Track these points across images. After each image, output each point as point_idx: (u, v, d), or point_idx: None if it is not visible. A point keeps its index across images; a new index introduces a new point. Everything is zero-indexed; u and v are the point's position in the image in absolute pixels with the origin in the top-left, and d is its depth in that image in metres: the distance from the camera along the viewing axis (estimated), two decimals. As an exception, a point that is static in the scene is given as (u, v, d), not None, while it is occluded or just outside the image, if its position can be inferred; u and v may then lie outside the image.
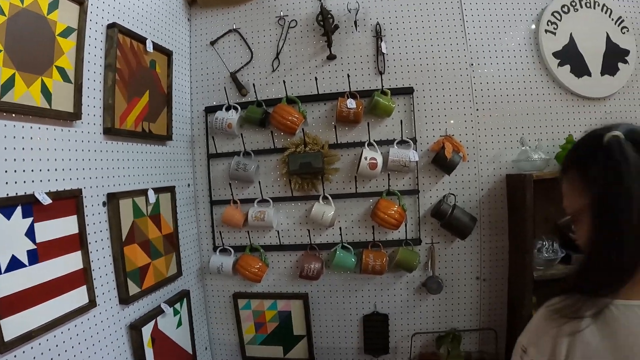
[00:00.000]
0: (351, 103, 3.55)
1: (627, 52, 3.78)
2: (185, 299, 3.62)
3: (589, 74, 3.73)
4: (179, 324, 3.53)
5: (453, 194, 3.65)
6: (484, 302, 3.72)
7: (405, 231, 3.67)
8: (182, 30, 3.80)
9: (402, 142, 3.61)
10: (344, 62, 3.71)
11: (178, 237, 3.59)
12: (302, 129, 3.67)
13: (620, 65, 3.75)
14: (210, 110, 3.80)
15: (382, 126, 3.67)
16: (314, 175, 3.66)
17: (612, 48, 3.77)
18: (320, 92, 3.71)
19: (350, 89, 3.65)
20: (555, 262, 3.44)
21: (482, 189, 3.68)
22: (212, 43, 3.83)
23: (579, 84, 3.70)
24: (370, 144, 3.62)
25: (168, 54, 3.53)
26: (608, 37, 3.77)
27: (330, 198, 3.66)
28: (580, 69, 3.72)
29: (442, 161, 3.54)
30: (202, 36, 3.88)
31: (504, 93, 3.66)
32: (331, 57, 3.69)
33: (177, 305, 3.52)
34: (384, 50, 3.66)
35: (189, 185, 3.80)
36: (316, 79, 3.70)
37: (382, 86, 3.63)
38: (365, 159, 3.51)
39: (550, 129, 3.68)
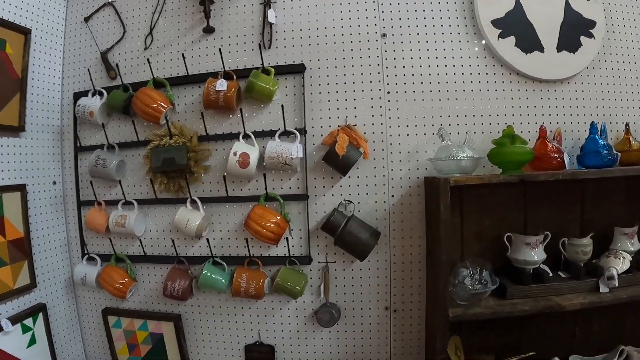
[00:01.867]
0: (221, 84, 1.97)
1: (592, 24, 2.06)
2: (40, 314, 2.15)
3: (541, 50, 2.03)
4: (32, 342, 2.11)
5: (350, 201, 2.02)
6: (395, 338, 2.07)
7: (288, 247, 2.05)
8: (53, 6, 2.29)
9: (287, 134, 2.02)
10: (225, 35, 2.12)
11: (31, 243, 2.13)
12: (167, 118, 2.12)
13: (583, 39, 2.05)
14: (79, 96, 2.28)
15: (265, 113, 2.07)
16: (181, 174, 2.11)
17: (572, 17, 2.06)
18: (190, 73, 2.14)
19: (224, 67, 2.06)
20: (483, 295, 1.81)
21: (392, 195, 2.02)
22: (86, 19, 2.31)
23: (527, 61, 2.02)
24: (246, 136, 2.04)
25: (24, 32, 2.09)
26: (567, 4, 2.06)
27: (199, 202, 2.10)
28: (529, 42, 2.03)
29: (333, 158, 1.91)
30: (79, 12, 2.35)
31: (424, 72, 2.01)
32: (208, 30, 2.10)
33: (29, 321, 2.11)
34: (271, 20, 2.06)
35: (54, 182, 2.31)
36: (183, 56, 2.11)
37: (262, 63, 2.03)
38: (235, 154, 1.95)
39: (487, 119, 1.99)
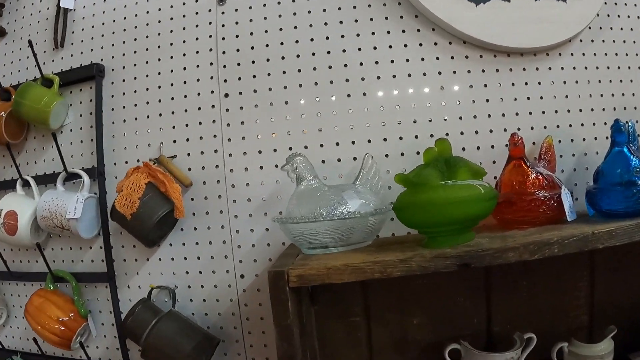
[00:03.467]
0: (-23, 105, 1.07)
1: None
2: None
3: (505, -7, 0.86)
4: None
5: (166, 287, 0.87)
6: None
7: (86, 355, 0.94)
8: None
9: (74, 177, 0.92)
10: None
11: None
12: None
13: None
14: None
15: (54, 147, 0.94)
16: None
17: None
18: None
19: (-5, 79, 1.05)
20: None
21: (242, 275, 0.85)
22: None
23: (480, 18, 0.79)
24: (27, 183, 0.96)
25: None
26: None
27: (-28, 284, 1.09)
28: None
29: (121, 219, 0.82)
30: None
31: (288, 53, 0.85)
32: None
33: None
34: (66, 5, 1.04)
35: None
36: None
37: (40, 70, 0.93)
38: (-4, 214, 0.96)
39: (411, 128, 0.79)
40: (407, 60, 0.85)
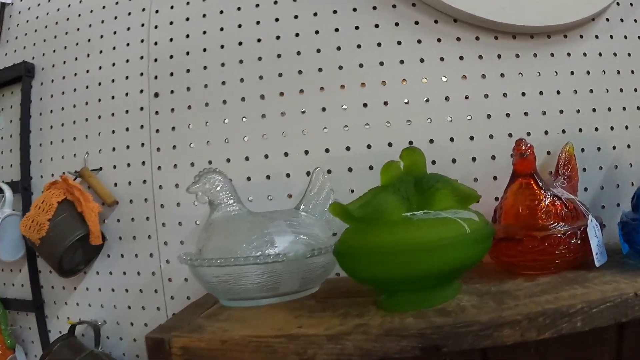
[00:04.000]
0: None
1: None
2: None
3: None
4: None
5: (95, 324, 0.66)
6: None
7: None
8: None
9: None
10: None
11: None
12: None
13: None
14: None
15: None
16: None
17: None
18: None
19: None
20: None
21: (175, 314, 0.69)
22: None
23: None
24: None
25: None
26: None
27: None
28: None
29: (31, 243, 0.63)
30: None
31: (232, 39, 0.62)
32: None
33: None
34: None
35: None
36: None
37: None
38: None
39: (364, 134, 0.55)
40: (379, 44, 0.60)
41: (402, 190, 0.41)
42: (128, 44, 0.68)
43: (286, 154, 0.58)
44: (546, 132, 0.61)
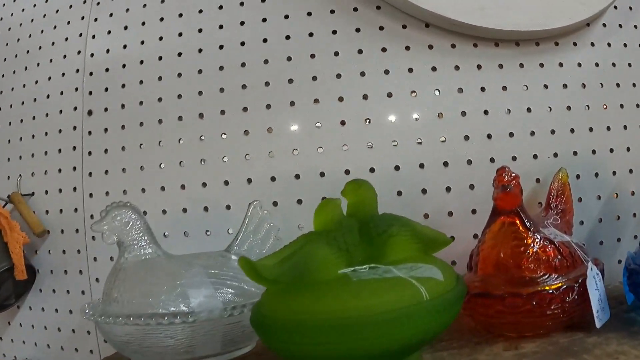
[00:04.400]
0: None
1: None
2: None
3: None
4: None
5: None
6: None
7: None
8: None
9: None
10: None
11: None
12: None
13: None
14: None
15: None
16: None
17: None
18: None
19: None
20: None
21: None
22: None
23: None
24: None
25: None
26: None
27: None
28: None
29: None
30: None
31: (171, 49, 0.50)
32: None
33: None
34: None
35: None
36: None
37: None
38: None
39: (316, 158, 0.42)
40: (336, 53, 0.49)
41: (340, 238, 0.28)
42: (65, 56, 0.57)
43: (226, 183, 0.47)
44: (535, 156, 0.49)
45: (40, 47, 0.59)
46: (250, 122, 0.47)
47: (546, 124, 0.49)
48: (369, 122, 0.47)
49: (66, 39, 0.57)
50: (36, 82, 0.58)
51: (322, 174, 0.46)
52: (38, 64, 0.59)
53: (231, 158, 0.47)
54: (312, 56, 0.48)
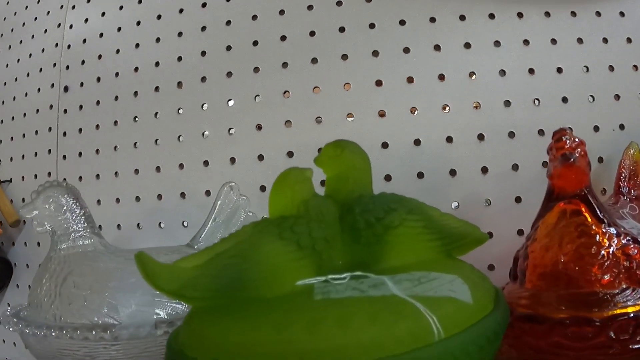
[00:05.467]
0: None
1: None
2: None
3: None
4: None
5: None
6: None
7: None
8: None
9: None
10: None
11: None
12: None
13: None
14: None
15: None
16: None
17: None
18: None
19: None
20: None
21: None
22: None
23: None
24: None
25: None
26: None
27: None
28: None
29: None
30: None
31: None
32: None
33: None
34: None
35: None
36: None
37: None
38: None
39: (308, 129, 0.34)
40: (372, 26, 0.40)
41: (301, 229, 0.18)
42: (45, 30, 0.51)
43: (206, 163, 0.39)
44: (596, 128, 0.38)
45: (23, 24, 0.55)
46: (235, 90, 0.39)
47: (608, 87, 0.38)
48: (381, 84, 0.37)
49: (48, 12, 0.53)
50: (18, 60, 0.54)
51: (319, 151, 0.37)
52: (20, 42, 0.54)
53: (211, 136, 0.39)
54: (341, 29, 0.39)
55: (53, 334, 0.24)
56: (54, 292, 0.26)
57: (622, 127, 0.38)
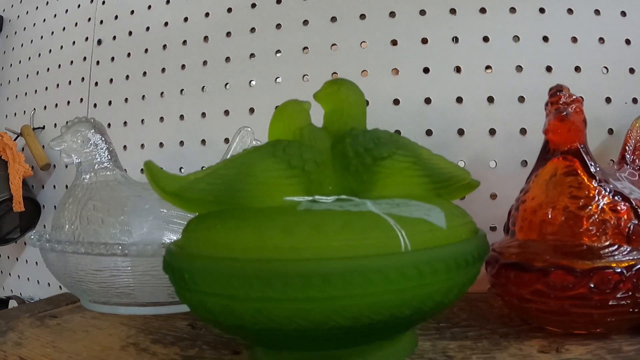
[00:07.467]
0: None
1: None
2: None
3: None
4: None
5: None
6: None
7: None
8: None
9: None
10: None
11: None
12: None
13: None
14: None
15: None
16: None
17: None
18: None
19: None
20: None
21: None
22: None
23: None
24: None
25: None
26: None
27: None
28: None
29: None
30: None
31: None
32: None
33: None
34: None
35: None
36: None
37: None
38: None
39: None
40: None
41: (293, 150, 0.20)
42: (81, -14, 0.56)
43: (227, 112, 0.42)
44: (608, 100, 0.39)
45: (61, -19, 0.59)
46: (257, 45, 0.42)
47: (623, 60, 0.39)
48: (396, 43, 0.39)
49: (84, -29, 0.57)
50: (55, 15, 0.58)
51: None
52: (58, -1, 0.59)
53: (221, 87, 0.42)
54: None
55: (70, 249, 0.27)
56: (75, 214, 0.29)
57: (635, 100, 0.39)
